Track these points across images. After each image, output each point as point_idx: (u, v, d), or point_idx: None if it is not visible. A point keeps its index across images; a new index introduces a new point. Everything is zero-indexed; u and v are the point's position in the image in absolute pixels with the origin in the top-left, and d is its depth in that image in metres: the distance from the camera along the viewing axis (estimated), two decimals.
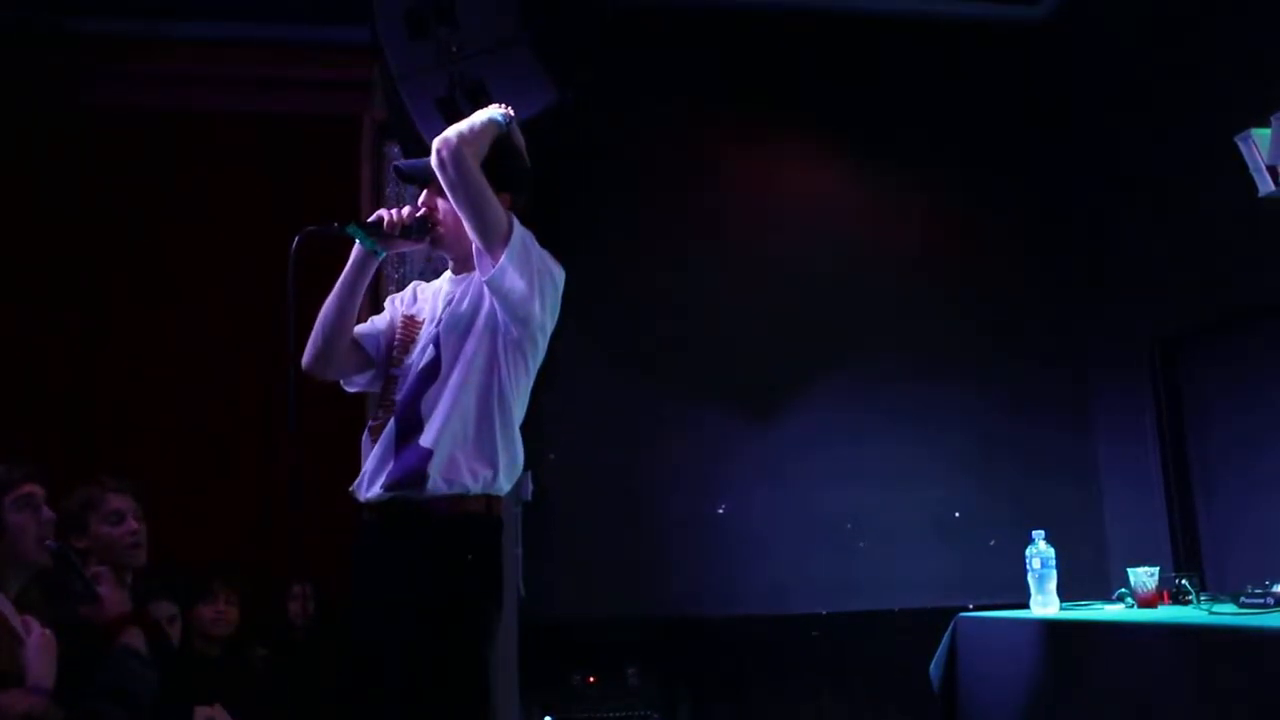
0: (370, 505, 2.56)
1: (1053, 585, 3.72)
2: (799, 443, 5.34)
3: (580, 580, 4.97)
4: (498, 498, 2.58)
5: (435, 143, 2.52)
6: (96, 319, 5.16)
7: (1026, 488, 5.30)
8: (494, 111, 2.62)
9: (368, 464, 2.58)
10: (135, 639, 2.99)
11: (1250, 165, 4.25)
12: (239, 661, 4.32)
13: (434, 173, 2.54)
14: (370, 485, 2.55)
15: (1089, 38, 5.63)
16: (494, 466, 2.53)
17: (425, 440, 2.49)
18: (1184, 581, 3.57)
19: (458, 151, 2.48)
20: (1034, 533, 3.77)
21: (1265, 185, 4.20)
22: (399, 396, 2.58)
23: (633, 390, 5.25)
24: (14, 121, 5.13)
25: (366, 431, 2.63)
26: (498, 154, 2.60)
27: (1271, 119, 4.17)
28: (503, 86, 3.93)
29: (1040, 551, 3.74)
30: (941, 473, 5.38)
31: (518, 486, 4.94)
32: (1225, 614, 3.02)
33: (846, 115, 5.63)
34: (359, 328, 2.70)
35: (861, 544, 5.31)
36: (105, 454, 4.85)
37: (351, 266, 2.63)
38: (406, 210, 2.62)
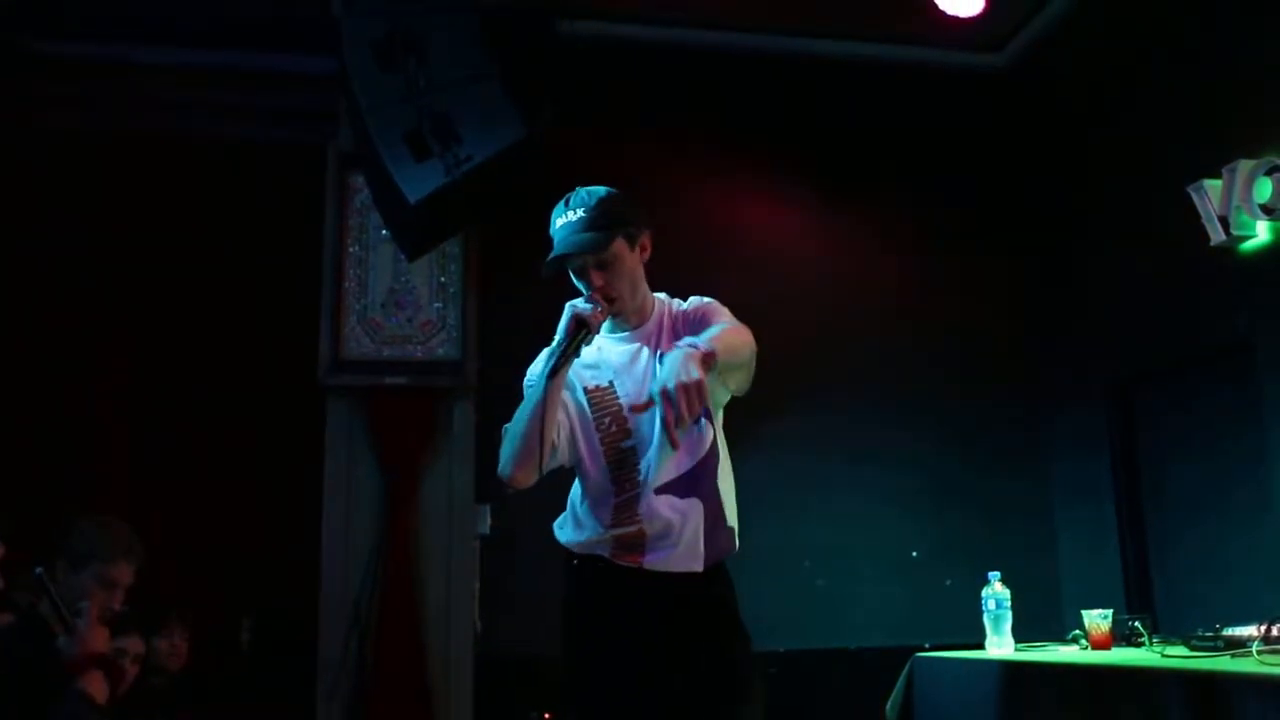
0: (670, 574, 2.61)
1: (1008, 626, 3.74)
2: (757, 481, 5.30)
3: (537, 616, 4.88)
4: None
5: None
6: (55, 343, 5.09)
7: (983, 529, 5.33)
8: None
9: (677, 545, 2.61)
10: (95, 684, 2.89)
11: (1203, 215, 4.36)
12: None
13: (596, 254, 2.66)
14: (679, 563, 2.61)
15: (1050, 86, 5.73)
16: None
17: (731, 520, 2.71)
18: (1136, 624, 3.60)
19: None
20: (990, 574, 3.79)
21: (1217, 234, 4.31)
22: (698, 487, 2.65)
23: None
24: None
25: (612, 507, 2.62)
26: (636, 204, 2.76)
27: (1223, 171, 4.29)
28: (471, 121, 3.94)
29: (995, 593, 3.76)
30: (899, 513, 5.41)
31: (475, 521, 4.94)
32: (1176, 656, 3.05)
33: (811, 158, 5.66)
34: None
35: (819, 582, 5.31)
36: (71, 479, 4.80)
37: (559, 381, 2.54)
38: (600, 308, 2.60)
